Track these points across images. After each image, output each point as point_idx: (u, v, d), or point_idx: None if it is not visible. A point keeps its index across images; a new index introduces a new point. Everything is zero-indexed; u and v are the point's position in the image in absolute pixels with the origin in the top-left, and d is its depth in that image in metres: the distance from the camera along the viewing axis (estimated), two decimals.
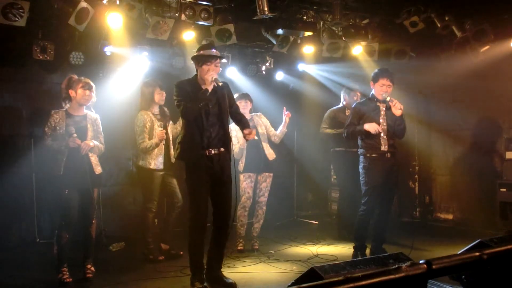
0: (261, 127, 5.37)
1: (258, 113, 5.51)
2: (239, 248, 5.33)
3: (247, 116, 5.14)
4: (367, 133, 4.66)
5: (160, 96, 5.01)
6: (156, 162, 4.92)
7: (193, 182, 3.95)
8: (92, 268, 4.34)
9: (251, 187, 5.28)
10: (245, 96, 5.37)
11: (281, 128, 5.38)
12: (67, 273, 4.18)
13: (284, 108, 5.33)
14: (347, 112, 5.81)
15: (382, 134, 4.66)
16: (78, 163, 4.13)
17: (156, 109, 5.04)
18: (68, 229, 4.18)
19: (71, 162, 4.13)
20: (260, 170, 5.31)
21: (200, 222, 3.93)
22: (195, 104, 3.83)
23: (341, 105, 6.06)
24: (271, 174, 5.40)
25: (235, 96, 5.23)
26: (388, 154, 4.69)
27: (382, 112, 4.73)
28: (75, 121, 4.21)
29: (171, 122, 5.22)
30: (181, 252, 5.00)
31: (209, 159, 3.92)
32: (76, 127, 4.16)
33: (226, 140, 4.02)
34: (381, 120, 4.70)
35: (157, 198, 4.99)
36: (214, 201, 4.02)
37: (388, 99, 4.66)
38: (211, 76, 3.86)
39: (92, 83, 4.30)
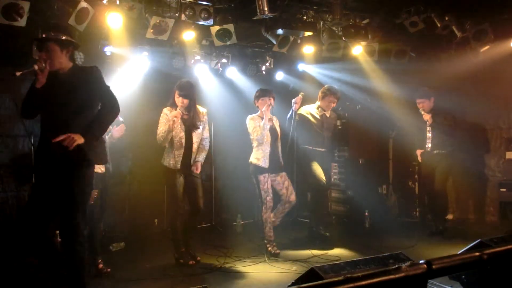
0: (278, 127, 5.37)
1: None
2: (276, 251, 5.12)
3: (268, 115, 5.07)
4: None
5: (178, 101, 4.67)
6: (175, 163, 4.68)
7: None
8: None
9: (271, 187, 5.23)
10: (270, 93, 5.23)
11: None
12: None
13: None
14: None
15: (427, 138, 5.94)
16: None
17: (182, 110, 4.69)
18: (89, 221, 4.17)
19: None
20: (278, 170, 5.28)
21: None
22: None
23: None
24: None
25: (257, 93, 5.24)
26: (431, 152, 5.92)
27: (427, 124, 5.93)
28: None
29: (199, 129, 4.83)
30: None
31: None
32: None
33: None
34: (427, 128, 5.93)
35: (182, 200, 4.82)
36: None
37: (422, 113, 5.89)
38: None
39: None
